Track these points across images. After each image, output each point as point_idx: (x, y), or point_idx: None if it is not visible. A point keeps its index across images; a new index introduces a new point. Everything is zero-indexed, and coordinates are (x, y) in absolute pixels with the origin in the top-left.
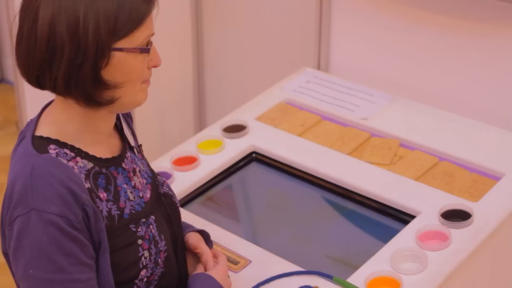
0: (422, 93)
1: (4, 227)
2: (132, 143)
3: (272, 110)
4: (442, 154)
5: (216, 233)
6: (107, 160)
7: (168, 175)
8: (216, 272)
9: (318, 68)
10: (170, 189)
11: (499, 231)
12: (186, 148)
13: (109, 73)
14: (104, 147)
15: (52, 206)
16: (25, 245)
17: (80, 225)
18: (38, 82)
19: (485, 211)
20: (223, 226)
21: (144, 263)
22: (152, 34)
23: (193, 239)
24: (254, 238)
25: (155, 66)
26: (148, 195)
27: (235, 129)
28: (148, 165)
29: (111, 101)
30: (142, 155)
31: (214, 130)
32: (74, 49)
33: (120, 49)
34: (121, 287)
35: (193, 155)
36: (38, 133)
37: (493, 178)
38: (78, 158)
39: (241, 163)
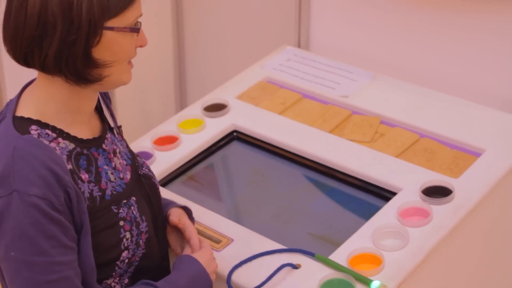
0: (402, 70)
1: None
2: (112, 124)
3: (252, 88)
4: (423, 131)
5: (198, 212)
6: (88, 141)
7: (149, 155)
8: (201, 255)
9: (299, 46)
10: (149, 170)
11: (479, 207)
12: (167, 127)
13: (99, 52)
14: (85, 128)
15: (34, 188)
16: (6, 227)
17: (62, 207)
18: (25, 60)
19: (466, 187)
20: (204, 205)
21: (125, 245)
22: (140, 15)
23: (175, 214)
24: (236, 216)
25: (141, 46)
26: (128, 176)
27: (216, 108)
28: (127, 146)
29: (99, 79)
30: (122, 136)
31: (194, 110)
32: (67, 26)
33: (111, 28)
34: (102, 268)
35: (174, 135)
36: (19, 113)
37: (474, 154)
38: (60, 139)
39: (222, 142)
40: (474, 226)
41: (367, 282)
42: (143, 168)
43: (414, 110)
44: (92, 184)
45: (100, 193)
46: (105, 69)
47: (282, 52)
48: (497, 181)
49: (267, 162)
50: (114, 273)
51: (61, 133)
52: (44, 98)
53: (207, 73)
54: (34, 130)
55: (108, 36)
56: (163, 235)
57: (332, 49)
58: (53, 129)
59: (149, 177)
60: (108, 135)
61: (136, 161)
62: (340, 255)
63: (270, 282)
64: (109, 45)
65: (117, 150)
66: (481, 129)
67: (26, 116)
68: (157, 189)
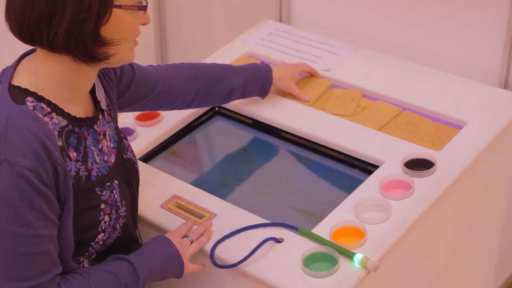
0: (384, 43)
1: None
2: (104, 106)
3: (234, 63)
4: (404, 104)
5: (181, 187)
6: (80, 119)
7: (131, 131)
8: (172, 234)
9: (280, 20)
10: (133, 154)
11: (461, 179)
12: None
13: (107, 30)
14: (80, 106)
15: (25, 160)
16: None
17: (50, 182)
18: (32, 38)
19: (448, 159)
20: (187, 180)
21: (102, 227)
22: None
23: None
24: (218, 191)
25: (144, 24)
26: (112, 159)
27: None
28: (116, 128)
29: (106, 58)
30: (112, 118)
31: None
32: (78, 5)
33: (119, 6)
34: (77, 247)
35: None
36: (16, 82)
37: (456, 126)
38: (54, 114)
39: (204, 117)
40: (456, 198)
41: (350, 255)
42: (128, 153)
43: (396, 83)
44: (79, 163)
45: (86, 173)
46: (113, 47)
47: (264, 26)
48: (478, 153)
49: (249, 137)
50: (87, 253)
51: (56, 109)
52: (44, 72)
53: (189, 48)
54: (30, 102)
55: (116, 14)
56: (137, 220)
57: (314, 23)
58: (48, 103)
59: (133, 162)
60: (100, 116)
61: (122, 144)
62: (323, 229)
63: (253, 256)
64: (118, 23)
65: (107, 132)
66: (463, 101)
67: (23, 86)
68: (138, 175)
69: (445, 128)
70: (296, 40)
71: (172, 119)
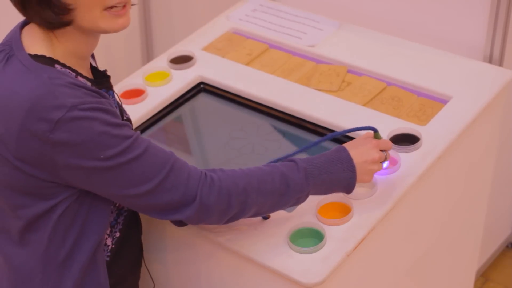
0: (369, 18)
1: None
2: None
3: (218, 39)
4: (389, 79)
5: None
6: (99, 81)
7: None
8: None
9: None
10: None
11: (447, 154)
12: (133, 80)
13: None
14: (86, 72)
15: (87, 99)
16: (83, 139)
17: (112, 107)
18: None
19: (433, 134)
20: None
21: None
22: None
23: None
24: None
25: None
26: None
27: (182, 60)
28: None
29: (66, 24)
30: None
31: (160, 62)
32: None
33: None
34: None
35: (140, 88)
36: (33, 52)
37: (441, 101)
38: (79, 77)
39: (189, 94)
40: (442, 173)
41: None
42: (126, 113)
43: (381, 59)
44: None
45: None
46: (71, 13)
47: (248, 2)
48: (464, 127)
49: (234, 114)
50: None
51: (77, 73)
52: (50, 40)
53: (173, 25)
54: (59, 68)
55: None
56: None
57: None
58: (70, 68)
59: (131, 122)
60: None
61: (121, 106)
62: (308, 205)
63: (239, 233)
64: None
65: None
66: (448, 76)
67: (46, 55)
68: None
69: (430, 103)
70: (280, 16)
71: (157, 96)
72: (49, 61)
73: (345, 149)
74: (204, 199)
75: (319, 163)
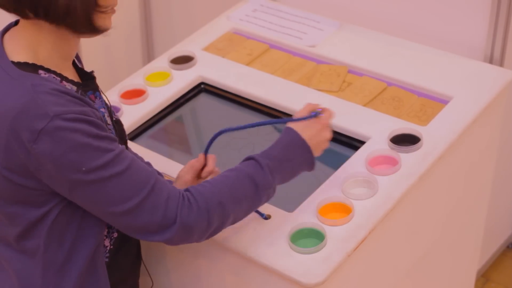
0: (369, 19)
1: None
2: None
3: (219, 40)
4: (390, 79)
5: (167, 165)
6: (85, 83)
7: (116, 109)
8: (295, 124)
9: None
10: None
11: (447, 154)
12: (134, 81)
13: None
14: (71, 74)
15: (71, 108)
16: (63, 150)
17: (97, 117)
18: (21, 9)
19: (434, 134)
20: (174, 158)
21: None
22: None
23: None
24: None
25: None
26: (109, 121)
27: (183, 60)
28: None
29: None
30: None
31: (161, 62)
32: None
33: None
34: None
35: (141, 88)
36: (16, 59)
37: (441, 101)
38: (64, 82)
39: (190, 95)
40: (442, 173)
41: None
42: (115, 114)
43: (381, 59)
44: None
45: None
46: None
47: (248, 2)
48: (464, 128)
49: (235, 114)
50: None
51: (62, 77)
52: (34, 44)
53: (173, 25)
54: (43, 74)
55: None
56: None
57: None
58: (55, 73)
59: (121, 123)
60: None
61: (110, 107)
62: (309, 205)
63: (240, 233)
64: None
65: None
66: (449, 76)
67: (30, 61)
68: (126, 136)
69: (431, 103)
70: (281, 16)
71: (158, 97)
72: (33, 68)
73: (293, 131)
74: (184, 219)
75: (278, 155)
